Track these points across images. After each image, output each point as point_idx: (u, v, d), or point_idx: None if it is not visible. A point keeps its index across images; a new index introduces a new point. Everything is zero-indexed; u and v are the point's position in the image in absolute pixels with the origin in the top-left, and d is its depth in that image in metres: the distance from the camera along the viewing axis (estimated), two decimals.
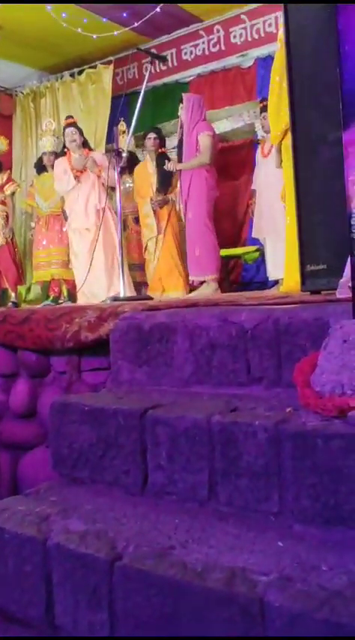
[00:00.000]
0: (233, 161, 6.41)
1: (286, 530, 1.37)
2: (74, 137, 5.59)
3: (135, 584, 1.27)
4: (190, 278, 5.32)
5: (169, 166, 5.46)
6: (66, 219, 5.71)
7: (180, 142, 5.36)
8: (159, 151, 5.90)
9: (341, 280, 1.95)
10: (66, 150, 5.65)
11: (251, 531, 1.38)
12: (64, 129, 5.75)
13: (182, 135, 5.29)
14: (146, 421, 1.62)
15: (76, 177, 5.45)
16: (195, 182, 5.10)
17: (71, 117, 6.06)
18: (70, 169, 5.47)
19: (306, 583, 1.12)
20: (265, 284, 5.78)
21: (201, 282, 5.18)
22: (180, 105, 5.32)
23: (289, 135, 2.84)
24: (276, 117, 3.23)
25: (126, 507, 1.58)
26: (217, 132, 6.11)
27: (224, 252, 5.83)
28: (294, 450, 1.37)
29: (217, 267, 5.16)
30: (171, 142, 6.47)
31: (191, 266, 5.23)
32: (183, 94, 5.44)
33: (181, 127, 5.34)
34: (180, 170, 5.25)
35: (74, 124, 5.78)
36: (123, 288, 3.75)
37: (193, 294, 5.09)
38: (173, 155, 5.96)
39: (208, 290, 5.06)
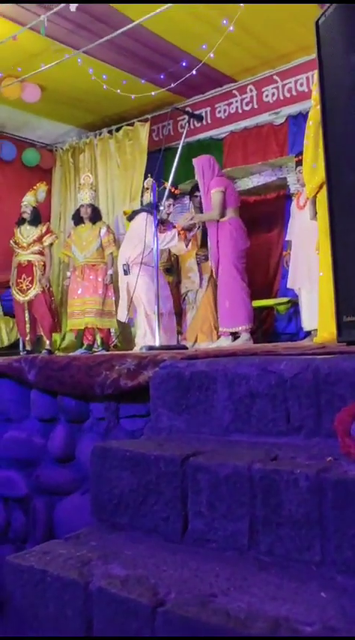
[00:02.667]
0: (266, 214, 6.55)
1: (328, 581, 1.36)
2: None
3: (177, 631, 1.27)
4: (220, 329, 5.33)
5: (187, 218, 5.60)
6: (126, 272, 5.46)
7: (200, 204, 5.56)
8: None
9: None
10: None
11: (292, 581, 1.38)
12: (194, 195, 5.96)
13: (201, 197, 5.48)
14: (187, 468, 1.64)
15: None
16: (221, 236, 5.20)
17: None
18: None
19: (352, 634, 1.12)
20: (297, 335, 5.80)
21: (232, 334, 5.20)
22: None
23: (324, 188, 2.92)
24: (311, 171, 3.33)
25: (166, 554, 1.59)
26: (251, 186, 6.29)
27: (256, 303, 5.90)
28: (336, 499, 1.37)
29: (248, 317, 5.16)
30: None
31: (221, 318, 5.26)
32: (193, 160, 5.53)
33: (199, 190, 5.55)
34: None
35: None
36: (158, 336, 3.82)
37: (226, 345, 5.12)
38: None
39: (240, 341, 5.09)
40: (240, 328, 5.13)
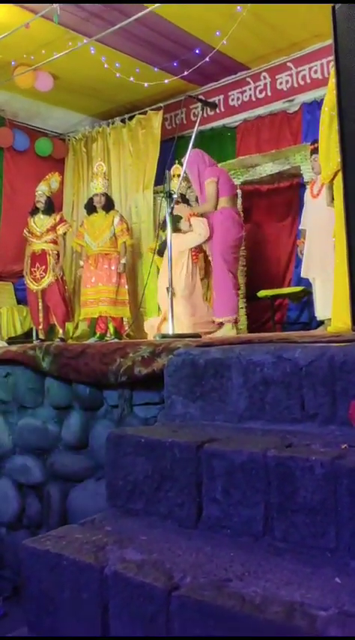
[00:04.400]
0: (279, 203, 6.51)
1: (343, 567, 1.36)
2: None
3: (192, 615, 1.28)
4: (215, 320, 5.21)
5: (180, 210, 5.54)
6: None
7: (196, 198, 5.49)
8: None
9: None
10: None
11: (307, 567, 1.38)
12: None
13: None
14: (202, 454, 1.64)
15: None
16: (214, 226, 5.07)
17: None
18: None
19: None
20: (310, 324, 5.77)
21: (221, 324, 5.06)
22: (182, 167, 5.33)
23: (340, 174, 2.89)
24: (327, 158, 3.30)
25: (181, 540, 1.60)
26: (263, 174, 6.23)
27: (269, 292, 5.88)
28: (351, 486, 1.37)
29: (231, 309, 5.01)
30: None
31: (213, 308, 5.22)
32: (184, 162, 4.96)
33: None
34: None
35: None
36: (172, 325, 3.81)
37: (209, 337, 4.97)
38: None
39: (220, 333, 4.91)
40: (224, 319, 4.98)
